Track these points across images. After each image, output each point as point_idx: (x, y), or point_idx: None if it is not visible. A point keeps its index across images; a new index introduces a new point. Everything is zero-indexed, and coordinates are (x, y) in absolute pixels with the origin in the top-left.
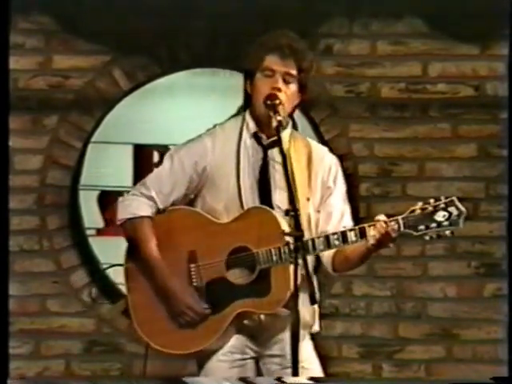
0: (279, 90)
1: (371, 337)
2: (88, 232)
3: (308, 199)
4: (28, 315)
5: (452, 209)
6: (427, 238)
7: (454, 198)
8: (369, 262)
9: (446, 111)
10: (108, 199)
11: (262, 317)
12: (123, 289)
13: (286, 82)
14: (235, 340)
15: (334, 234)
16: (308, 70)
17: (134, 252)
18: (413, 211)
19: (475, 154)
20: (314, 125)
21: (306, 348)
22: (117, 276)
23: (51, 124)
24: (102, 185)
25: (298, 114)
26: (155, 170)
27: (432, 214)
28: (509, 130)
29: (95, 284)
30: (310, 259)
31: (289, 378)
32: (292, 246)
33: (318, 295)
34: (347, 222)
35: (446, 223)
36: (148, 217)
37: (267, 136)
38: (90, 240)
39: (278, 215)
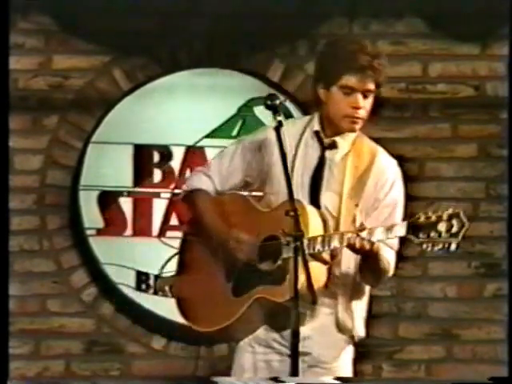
0: (359, 108)
1: (371, 337)
2: (88, 232)
3: (357, 205)
4: (28, 315)
5: (455, 221)
6: (425, 246)
7: (460, 211)
8: None
9: (446, 111)
10: (108, 199)
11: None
12: (123, 289)
13: (365, 97)
14: (263, 333)
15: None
16: (384, 82)
17: (194, 223)
18: (418, 217)
19: (475, 154)
20: None
21: (343, 356)
22: (117, 276)
23: (51, 124)
24: (102, 185)
25: (297, 115)
26: (219, 154)
27: (435, 224)
28: (509, 130)
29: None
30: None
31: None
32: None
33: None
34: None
35: (445, 234)
36: (206, 191)
37: (328, 137)
38: (90, 240)
39: (311, 211)
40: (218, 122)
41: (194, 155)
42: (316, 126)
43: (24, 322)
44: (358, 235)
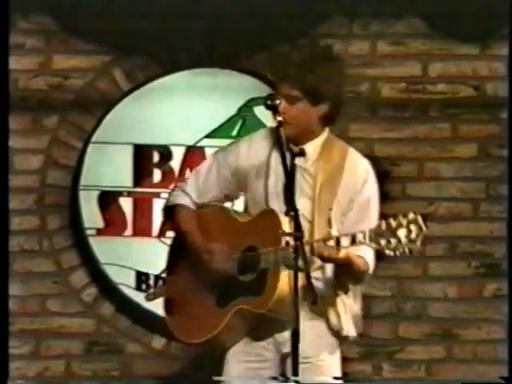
0: (285, 112)
1: (371, 337)
2: (88, 232)
3: (330, 209)
4: (28, 315)
5: (413, 227)
6: (387, 252)
7: (418, 217)
8: None
9: (445, 111)
10: (108, 199)
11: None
12: (123, 289)
13: (291, 103)
14: (250, 343)
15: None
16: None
17: (177, 239)
18: (379, 225)
19: (475, 154)
20: None
21: (328, 351)
22: (117, 276)
23: (51, 124)
24: (102, 185)
25: None
26: (195, 169)
27: (395, 230)
28: (509, 130)
29: (95, 284)
30: None
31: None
32: (291, 250)
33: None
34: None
35: (404, 240)
36: (185, 206)
37: (296, 145)
38: (90, 240)
39: (284, 219)
40: (217, 122)
41: (194, 155)
42: (284, 135)
43: (24, 322)
44: (325, 244)
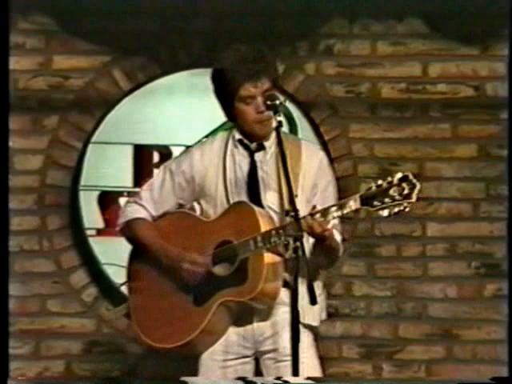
0: (263, 111)
1: (371, 337)
2: (88, 232)
3: (296, 195)
4: (28, 315)
5: (405, 184)
6: (381, 213)
7: (409, 174)
8: (369, 262)
9: (446, 111)
10: (108, 199)
11: (253, 315)
12: (124, 289)
13: (267, 97)
14: (228, 340)
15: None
16: (277, 75)
17: (136, 251)
18: (369, 189)
19: (475, 155)
20: (315, 125)
21: (306, 348)
22: (117, 276)
23: (51, 124)
24: (102, 185)
25: (297, 115)
26: (148, 182)
27: (386, 190)
28: (509, 130)
29: (95, 284)
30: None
31: (288, 378)
32: (260, 238)
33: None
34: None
35: (398, 197)
36: (143, 219)
37: (252, 141)
38: (90, 240)
39: (255, 208)
40: (217, 122)
41: None
42: (238, 135)
43: (24, 322)
44: (313, 218)
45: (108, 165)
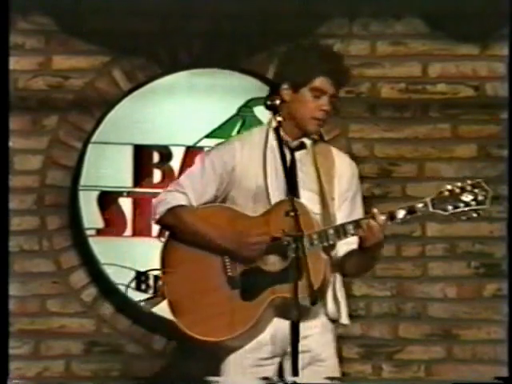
0: (326, 112)
1: (371, 337)
2: (88, 232)
3: (333, 199)
4: (28, 315)
5: (478, 190)
6: (455, 219)
7: (480, 180)
8: None
9: (446, 111)
10: (108, 199)
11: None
12: (122, 288)
13: (331, 103)
14: (262, 339)
15: (330, 228)
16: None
17: (180, 238)
18: (441, 193)
19: (475, 155)
20: None
21: (328, 342)
22: (117, 276)
23: (51, 124)
24: (102, 185)
25: None
26: (187, 171)
27: (459, 194)
28: (509, 130)
29: (95, 284)
30: None
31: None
32: (316, 236)
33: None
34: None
35: (473, 203)
36: (187, 206)
37: (293, 139)
38: (90, 240)
39: (307, 205)
40: (217, 122)
41: (194, 155)
42: (280, 131)
43: (24, 322)
44: (375, 220)
45: (108, 165)
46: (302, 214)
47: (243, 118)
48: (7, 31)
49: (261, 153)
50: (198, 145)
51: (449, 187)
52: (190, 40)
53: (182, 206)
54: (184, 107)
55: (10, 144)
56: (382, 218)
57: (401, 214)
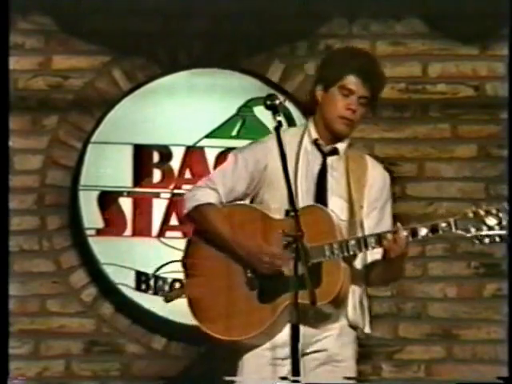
0: (354, 111)
1: (371, 337)
2: (88, 232)
3: (361, 207)
4: (28, 315)
5: (503, 214)
6: (477, 242)
7: (505, 205)
8: None
9: (446, 111)
10: (108, 199)
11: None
12: (123, 289)
13: (360, 104)
14: (280, 340)
15: (351, 239)
16: (379, 95)
17: (204, 237)
18: (465, 214)
19: (475, 155)
20: None
21: (346, 344)
22: (117, 276)
23: (51, 124)
24: (102, 185)
25: (297, 115)
26: (219, 167)
27: (484, 217)
28: (509, 130)
29: (95, 284)
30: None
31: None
32: (336, 246)
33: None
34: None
35: (497, 227)
36: (214, 205)
37: (327, 144)
38: (90, 240)
39: (332, 214)
40: (217, 122)
41: (194, 155)
42: (314, 134)
43: (24, 322)
44: (397, 234)
45: (108, 165)
46: (324, 222)
47: (243, 118)
48: (7, 31)
49: (294, 154)
50: (198, 145)
51: (474, 209)
52: (190, 40)
53: (210, 204)
54: (184, 107)
55: (10, 144)
56: (404, 233)
57: (423, 231)
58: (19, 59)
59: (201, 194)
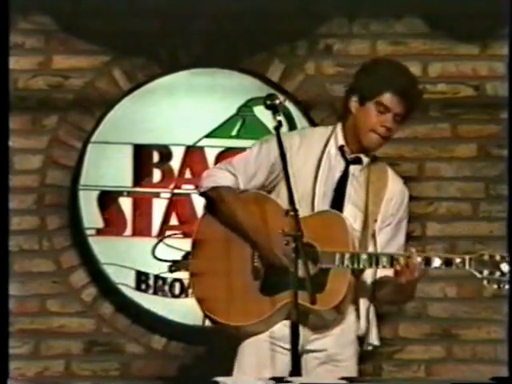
0: (389, 129)
1: None
2: (88, 232)
3: (375, 220)
4: (28, 315)
5: None
6: (486, 283)
7: None
8: None
9: (446, 111)
10: (108, 199)
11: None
12: (123, 289)
13: (394, 121)
14: (279, 332)
15: (363, 253)
16: (412, 113)
17: (217, 217)
18: (482, 255)
19: (475, 154)
20: (314, 125)
21: (348, 344)
22: (117, 276)
23: (51, 124)
24: (102, 185)
25: (297, 115)
26: (242, 153)
27: (499, 262)
28: (509, 129)
29: (95, 284)
30: None
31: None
32: (348, 256)
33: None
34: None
35: (509, 275)
36: (233, 189)
37: (352, 152)
38: (90, 240)
39: (348, 222)
40: (217, 121)
41: (194, 155)
42: (341, 141)
43: (24, 322)
44: (412, 260)
45: (108, 164)
46: (339, 229)
47: (243, 118)
48: (7, 31)
49: (317, 156)
50: (198, 144)
51: (490, 252)
52: (190, 40)
53: (229, 187)
54: (184, 107)
55: (10, 144)
56: (418, 259)
57: (437, 262)
58: (19, 59)
59: (219, 176)
